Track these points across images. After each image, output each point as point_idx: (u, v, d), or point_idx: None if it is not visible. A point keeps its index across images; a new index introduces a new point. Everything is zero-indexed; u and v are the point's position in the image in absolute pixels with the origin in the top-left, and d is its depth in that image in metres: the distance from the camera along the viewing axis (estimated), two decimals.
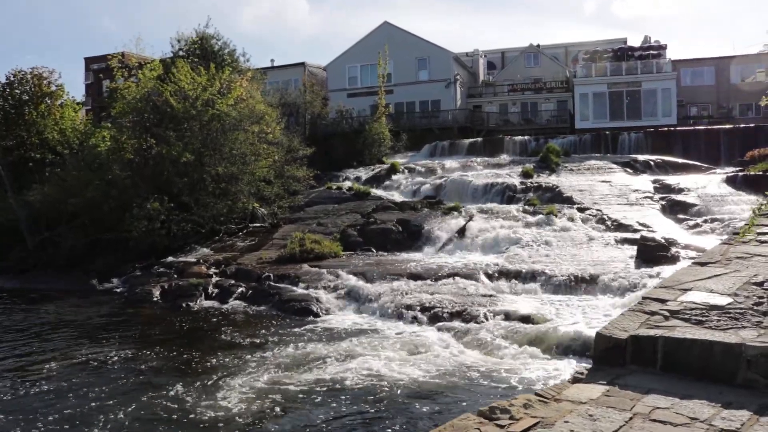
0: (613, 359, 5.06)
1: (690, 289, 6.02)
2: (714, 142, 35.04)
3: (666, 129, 39.42)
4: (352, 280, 17.52)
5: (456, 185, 30.34)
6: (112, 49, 40.28)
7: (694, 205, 23.44)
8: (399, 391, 9.53)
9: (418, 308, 14.62)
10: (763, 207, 11.58)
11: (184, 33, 33.34)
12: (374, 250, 22.07)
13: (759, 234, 8.30)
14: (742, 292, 5.83)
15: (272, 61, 54.76)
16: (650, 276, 15.07)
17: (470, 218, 23.41)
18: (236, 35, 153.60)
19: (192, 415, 8.88)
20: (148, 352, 12.67)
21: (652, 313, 5.46)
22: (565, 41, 61.60)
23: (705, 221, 21.37)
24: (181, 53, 32.53)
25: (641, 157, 32.74)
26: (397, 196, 30.85)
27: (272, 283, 18.49)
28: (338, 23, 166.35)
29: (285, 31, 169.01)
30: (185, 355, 12.25)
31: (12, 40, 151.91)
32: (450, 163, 35.16)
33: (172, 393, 9.84)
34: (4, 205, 28.35)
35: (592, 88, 46.60)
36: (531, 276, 16.49)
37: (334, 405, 9.11)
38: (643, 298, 5.99)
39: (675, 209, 23.38)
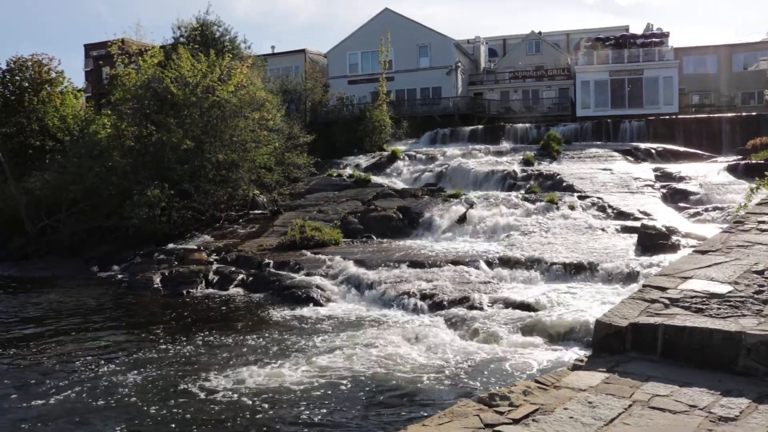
0: (612, 347, 5.05)
1: (690, 277, 6.01)
2: (715, 130, 35.02)
3: (668, 117, 39.33)
4: (353, 268, 17.52)
5: (457, 173, 30.33)
6: (109, 36, 40.29)
7: (695, 193, 23.43)
8: (398, 379, 9.55)
9: (419, 295, 14.63)
10: (762, 185, 11.57)
11: (184, 20, 33.23)
12: (375, 238, 22.07)
13: (760, 222, 8.27)
14: (743, 281, 5.82)
15: (273, 47, 54.69)
16: (650, 264, 15.08)
17: (471, 206, 23.41)
18: (232, 21, 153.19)
19: (188, 404, 8.89)
20: (148, 339, 12.71)
21: (653, 301, 5.45)
22: (567, 28, 61.37)
23: (706, 210, 21.36)
24: (181, 40, 32.47)
25: (642, 146, 32.70)
26: (397, 184, 30.86)
27: (273, 270, 18.52)
28: (336, 9, 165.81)
29: (281, 18, 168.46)
30: (185, 343, 12.28)
31: (5, 28, 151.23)
32: (451, 150, 35.11)
33: (170, 381, 9.87)
34: (4, 192, 28.32)
35: (594, 76, 46.37)
36: (531, 263, 16.48)
37: (333, 393, 9.12)
38: (644, 285, 5.98)
39: (676, 197, 23.37)
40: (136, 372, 10.44)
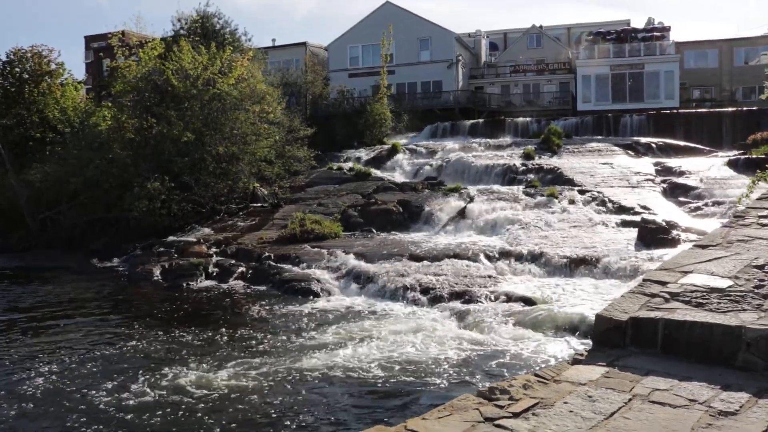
0: (612, 341, 5.05)
1: (691, 272, 6.00)
2: (716, 125, 34.96)
3: (668, 111, 39.26)
4: (353, 261, 17.53)
5: (457, 166, 30.32)
6: (109, 28, 40.16)
7: (695, 188, 23.39)
8: (399, 373, 9.56)
9: (419, 289, 14.64)
10: (761, 178, 11.57)
11: (185, 12, 33.17)
12: (375, 231, 22.06)
13: (760, 217, 8.27)
14: (743, 275, 5.82)
15: (273, 40, 54.52)
16: (651, 258, 15.07)
17: (471, 199, 23.39)
18: (232, 14, 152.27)
19: (186, 397, 8.85)
20: (147, 331, 12.69)
21: (653, 295, 5.45)
22: (568, 22, 61.20)
23: (706, 204, 21.34)
24: (182, 32, 32.41)
25: (643, 140, 32.64)
26: (398, 177, 30.86)
27: (272, 263, 18.52)
28: (337, 2, 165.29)
29: (282, 11, 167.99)
30: (184, 335, 12.27)
31: (5, 20, 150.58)
32: (451, 144, 35.08)
33: (168, 373, 9.80)
34: (4, 184, 28.31)
35: (595, 70, 46.32)
36: (531, 257, 16.48)
37: (331, 387, 9.13)
38: (644, 280, 5.97)
39: (676, 192, 23.34)
40: (130, 363, 10.43)
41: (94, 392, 9.12)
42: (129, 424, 8.07)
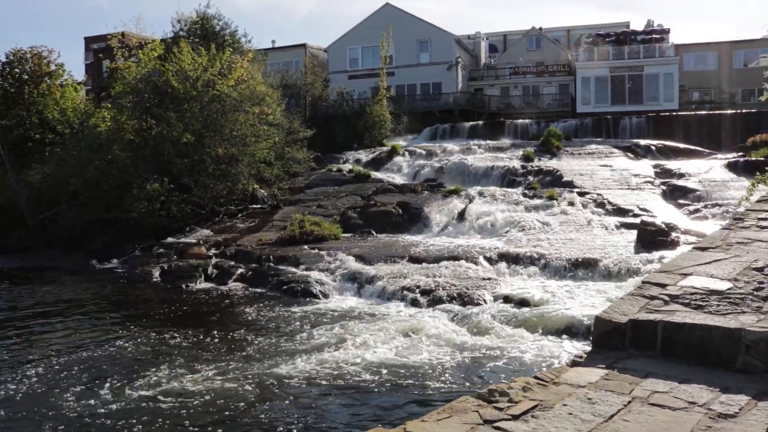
0: (612, 343, 5.05)
1: (690, 274, 6.00)
2: (715, 127, 34.97)
3: (668, 114, 39.27)
4: (352, 263, 17.51)
5: (456, 168, 30.31)
6: (109, 29, 40.20)
7: (694, 190, 23.40)
8: (397, 375, 9.54)
9: (418, 291, 14.62)
10: (761, 181, 11.57)
11: (185, 13, 33.17)
12: (374, 233, 22.06)
13: (760, 219, 8.26)
14: (743, 278, 5.81)
15: (273, 42, 54.54)
16: (650, 260, 15.08)
17: (470, 201, 23.39)
18: (232, 15, 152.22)
19: (169, 402, 8.74)
20: (141, 334, 12.60)
21: (652, 298, 5.44)
22: (567, 24, 61.26)
23: (705, 206, 21.35)
24: (181, 33, 32.41)
25: (642, 142, 32.66)
26: (397, 179, 30.87)
27: (272, 265, 18.51)
28: (337, 3, 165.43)
29: (282, 12, 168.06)
30: (177, 338, 12.21)
31: (5, 20, 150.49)
32: (451, 146, 35.05)
33: (153, 377, 9.69)
34: (4, 185, 28.31)
35: (594, 72, 46.36)
36: (531, 259, 16.47)
37: (329, 388, 9.10)
38: (643, 282, 5.97)
39: (675, 194, 23.35)
40: (128, 365, 10.39)
41: (73, 396, 9.02)
42: (108, 429, 7.96)
